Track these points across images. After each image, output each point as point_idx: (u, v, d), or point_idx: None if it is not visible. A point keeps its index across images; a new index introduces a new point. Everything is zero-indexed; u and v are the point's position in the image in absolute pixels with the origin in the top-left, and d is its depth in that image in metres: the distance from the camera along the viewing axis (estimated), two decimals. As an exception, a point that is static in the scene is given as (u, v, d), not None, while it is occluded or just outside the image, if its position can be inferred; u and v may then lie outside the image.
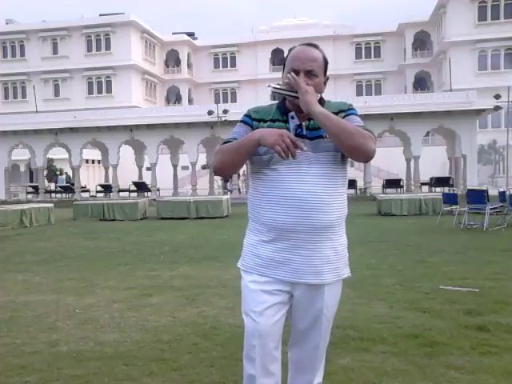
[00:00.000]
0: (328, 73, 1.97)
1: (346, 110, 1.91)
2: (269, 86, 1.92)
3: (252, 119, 1.94)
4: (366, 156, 1.79)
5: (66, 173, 35.71)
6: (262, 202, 1.91)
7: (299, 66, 1.87)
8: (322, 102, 1.93)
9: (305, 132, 1.87)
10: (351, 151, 1.80)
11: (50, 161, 33.24)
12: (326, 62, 1.93)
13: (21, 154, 33.33)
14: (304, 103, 1.79)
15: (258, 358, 1.89)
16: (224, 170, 1.92)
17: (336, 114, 1.89)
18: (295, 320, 2.01)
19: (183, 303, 4.68)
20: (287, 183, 1.85)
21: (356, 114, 1.91)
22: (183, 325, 3.99)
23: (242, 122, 1.97)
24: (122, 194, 27.42)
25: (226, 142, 1.91)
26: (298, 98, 1.82)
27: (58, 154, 32.89)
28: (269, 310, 1.89)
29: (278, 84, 1.92)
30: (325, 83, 1.95)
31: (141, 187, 27.75)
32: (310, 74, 1.87)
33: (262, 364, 1.90)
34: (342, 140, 1.76)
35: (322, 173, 1.85)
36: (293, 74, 1.84)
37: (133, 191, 28.14)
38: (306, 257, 1.88)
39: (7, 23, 48.79)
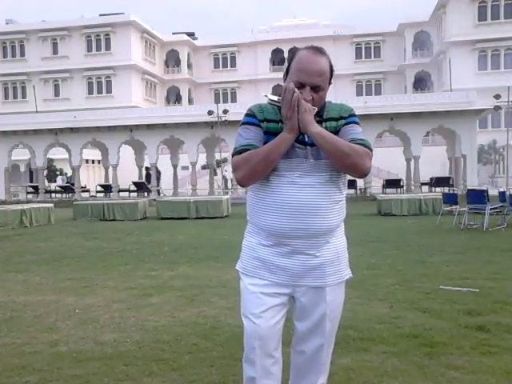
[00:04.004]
0: None
1: (346, 118, 1.89)
2: (266, 96, 1.88)
3: (258, 119, 1.89)
4: (360, 174, 1.83)
5: (66, 173, 35.69)
6: (261, 207, 1.90)
7: (306, 80, 1.82)
8: (323, 106, 1.91)
9: (306, 138, 1.85)
10: (346, 169, 1.84)
11: (50, 161, 33.23)
12: (331, 71, 1.89)
13: (21, 154, 33.33)
14: (302, 122, 1.77)
15: (258, 359, 1.89)
16: (254, 178, 1.85)
17: (336, 119, 1.88)
18: (298, 322, 2.00)
19: (183, 303, 4.68)
20: (285, 191, 1.84)
21: (356, 122, 1.90)
22: (183, 325, 3.99)
23: (247, 123, 1.89)
24: (121, 194, 27.41)
25: (240, 151, 1.83)
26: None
27: (58, 154, 32.93)
28: (268, 311, 1.88)
29: (279, 85, 1.89)
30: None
31: (141, 187, 27.75)
32: (316, 88, 1.84)
33: (263, 365, 1.90)
34: (337, 159, 1.79)
35: (322, 180, 1.84)
36: (295, 89, 1.77)
37: (133, 191, 28.14)
38: (306, 261, 1.87)
39: (7, 23, 48.85)
